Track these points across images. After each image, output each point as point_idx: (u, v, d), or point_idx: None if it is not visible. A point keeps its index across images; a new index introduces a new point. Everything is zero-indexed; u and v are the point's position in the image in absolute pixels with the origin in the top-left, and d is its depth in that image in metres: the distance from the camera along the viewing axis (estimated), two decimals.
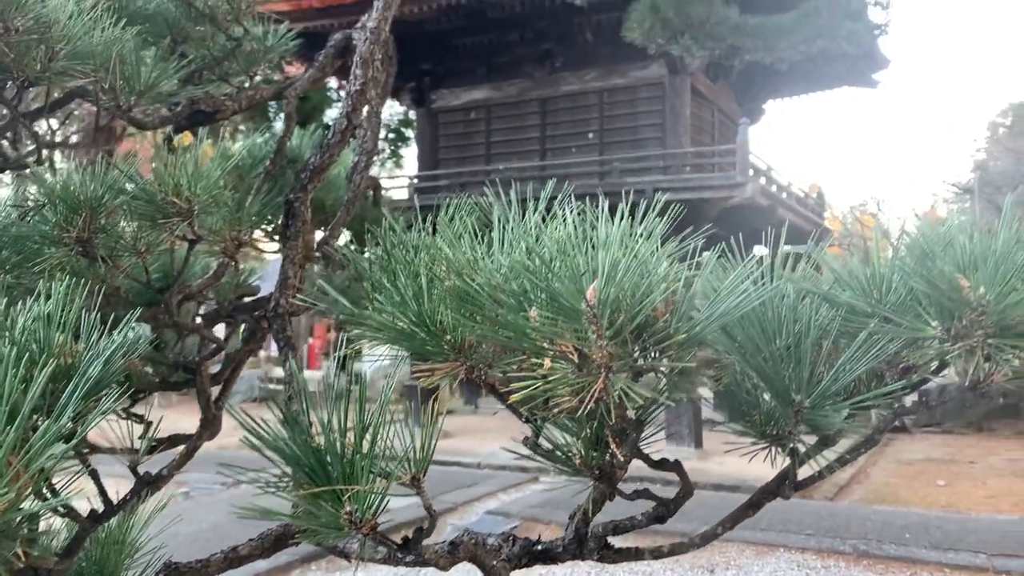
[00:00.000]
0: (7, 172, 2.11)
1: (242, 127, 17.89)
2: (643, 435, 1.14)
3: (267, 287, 2.13)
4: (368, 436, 0.94)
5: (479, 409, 16.19)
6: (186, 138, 2.36)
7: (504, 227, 1.12)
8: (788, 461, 1.15)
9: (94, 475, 1.30)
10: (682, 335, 0.93)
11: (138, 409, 1.90)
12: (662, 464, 1.18)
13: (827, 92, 18.19)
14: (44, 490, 1.05)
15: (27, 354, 1.00)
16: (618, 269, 0.89)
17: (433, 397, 1.39)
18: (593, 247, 0.99)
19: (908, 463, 11.82)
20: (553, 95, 15.16)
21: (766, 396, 1.08)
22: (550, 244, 0.97)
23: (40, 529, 1.15)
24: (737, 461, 1.11)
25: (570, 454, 1.12)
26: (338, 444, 0.92)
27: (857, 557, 7.19)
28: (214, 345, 1.99)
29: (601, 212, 1.05)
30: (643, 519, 1.19)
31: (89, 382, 0.97)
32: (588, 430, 1.09)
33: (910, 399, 1.21)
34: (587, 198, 1.19)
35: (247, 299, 2.37)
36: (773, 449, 1.11)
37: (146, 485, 1.40)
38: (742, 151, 12.62)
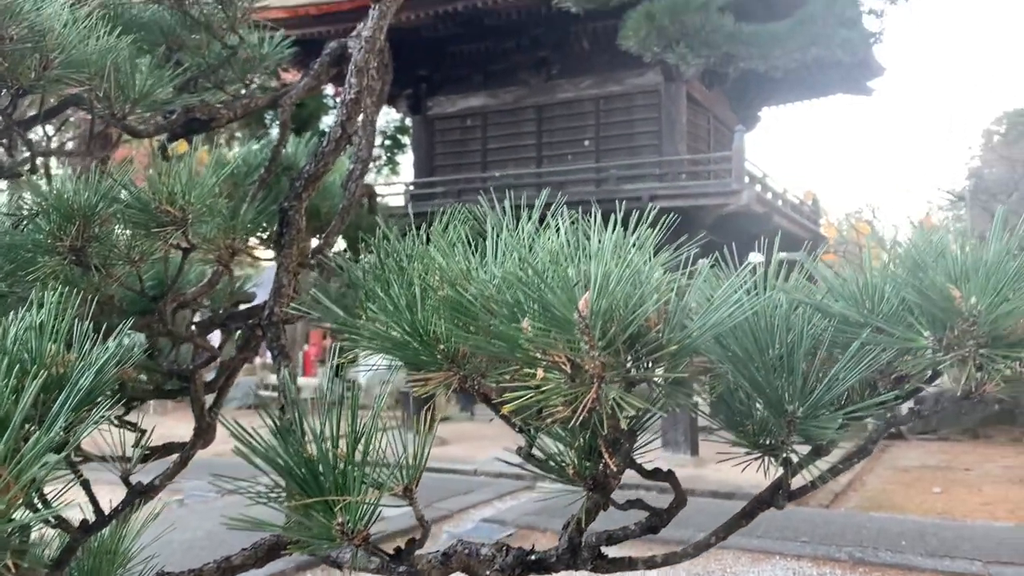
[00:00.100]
0: (1, 180, 2.10)
1: (238, 134, 17.90)
2: (639, 442, 1.14)
3: (263, 294, 2.13)
4: (360, 446, 0.94)
5: (475, 416, 16.17)
6: (181, 146, 2.36)
7: (498, 237, 1.12)
8: (782, 471, 1.15)
9: (85, 485, 1.29)
10: (674, 345, 0.93)
11: (132, 416, 1.90)
12: (655, 474, 1.18)
13: (822, 99, 18.25)
14: (35, 500, 1.05)
15: (19, 364, 0.99)
16: (610, 279, 0.89)
17: (428, 404, 1.38)
18: (587, 256, 0.99)
19: (904, 470, 11.83)
20: (549, 102, 15.19)
21: (759, 406, 1.08)
22: (543, 254, 0.97)
23: (31, 539, 1.15)
24: (733, 468, 1.11)
25: (563, 464, 1.12)
26: (330, 455, 0.92)
27: (853, 564, 7.19)
28: (208, 353, 1.99)
29: (594, 221, 1.05)
30: (636, 529, 1.19)
31: (81, 392, 0.97)
32: (581, 440, 1.09)
33: (906, 406, 1.21)
34: (580, 207, 1.19)
35: (242, 306, 2.37)
36: (766, 459, 1.11)
37: (138, 495, 1.40)
38: (738, 158, 12.64)
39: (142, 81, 1.88)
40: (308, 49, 4.61)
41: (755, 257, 1.27)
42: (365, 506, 0.93)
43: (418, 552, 1.09)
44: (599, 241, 1.04)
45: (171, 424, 6.90)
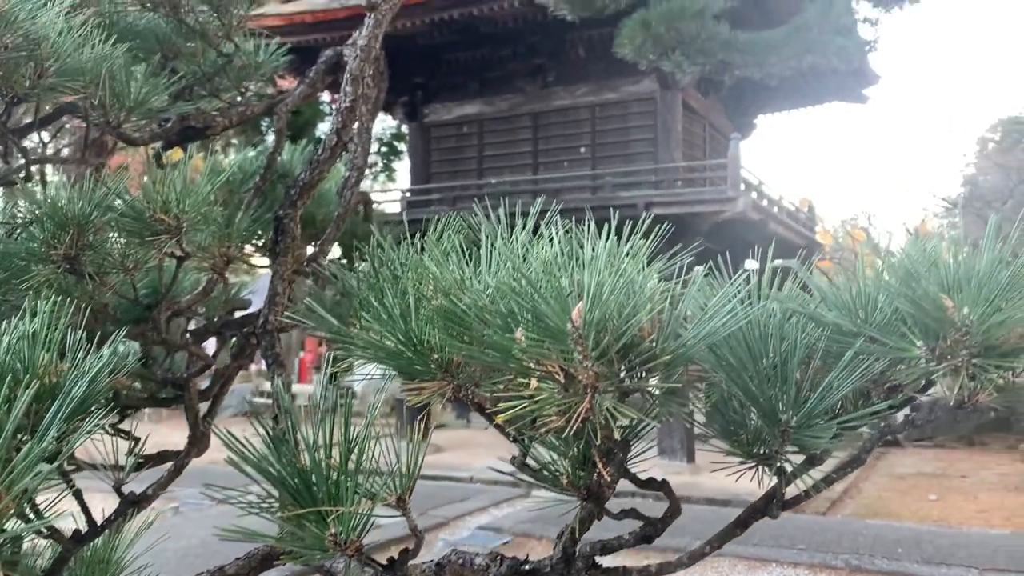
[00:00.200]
0: None
1: (234, 140, 17.89)
2: (635, 450, 1.14)
3: (258, 300, 2.12)
4: (354, 456, 0.94)
5: (471, 423, 16.14)
6: (176, 154, 2.36)
7: (492, 246, 1.12)
8: (776, 480, 1.15)
9: (78, 495, 1.29)
10: (668, 355, 0.93)
11: (126, 424, 1.89)
12: (649, 484, 1.18)
13: (818, 107, 18.31)
14: (27, 511, 1.05)
15: (11, 374, 0.99)
16: (604, 289, 0.89)
17: (424, 412, 1.38)
18: (581, 265, 0.99)
19: (900, 477, 11.84)
20: (545, 110, 15.22)
21: (753, 415, 1.08)
22: (536, 264, 0.97)
23: (23, 550, 1.14)
24: (730, 475, 1.11)
25: (557, 473, 1.12)
26: (323, 464, 0.92)
27: (849, 572, 7.19)
28: (202, 362, 1.98)
29: (587, 230, 1.05)
30: (631, 539, 1.19)
31: (74, 402, 0.96)
32: (575, 450, 1.09)
33: (901, 414, 1.21)
34: (576, 215, 1.19)
35: (237, 313, 2.37)
36: (760, 468, 1.11)
37: (131, 505, 1.39)
38: (733, 165, 12.68)
39: (137, 89, 1.88)
40: (304, 57, 4.61)
41: (751, 264, 1.27)
42: (358, 516, 0.92)
43: (412, 562, 1.09)
44: (593, 249, 1.04)
45: (166, 432, 6.88)
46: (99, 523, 1.32)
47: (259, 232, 2.21)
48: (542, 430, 0.98)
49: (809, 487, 1.09)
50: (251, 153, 2.61)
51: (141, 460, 1.81)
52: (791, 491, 1.18)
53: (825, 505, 9.64)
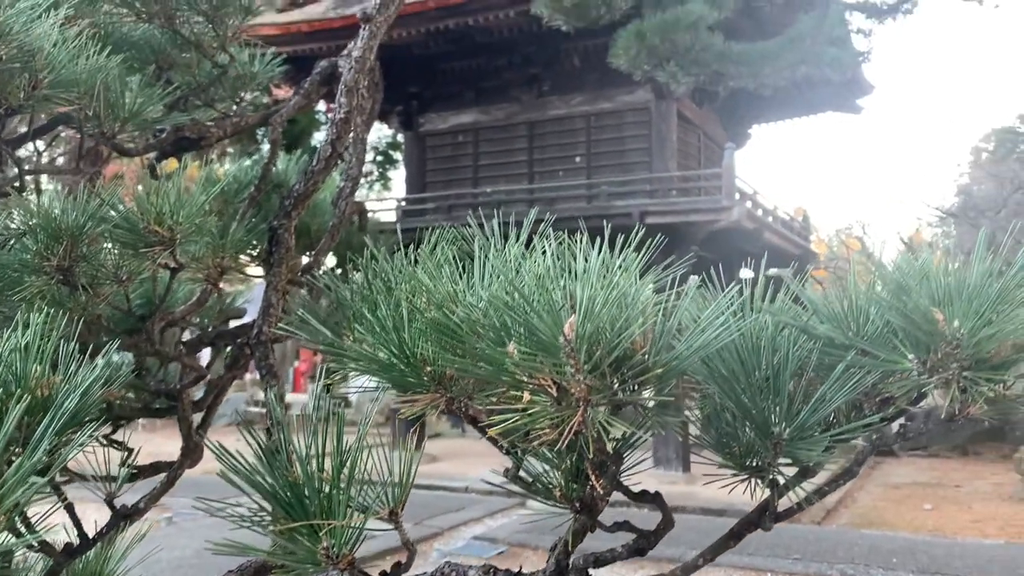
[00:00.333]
0: None
1: (230, 149, 17.89)
2: (630, 459, 1.14)
3: (254, 309, 2.12)
4: (346, 469, 0.94)
5: (466, 432, 16.12)
6: (171, 164, 2.36)
7: (485, 258, 1.12)
8: (769, 492, 1.15)
9: (69, 508, 1.28)
10: (660, 368, 0.93)
11: (120, 434, 1.88)
12: (642, 496, 1.18)
13: (812, 117, 18.39)
14: (18, 524, 1.04)
15: (3, 386, 0.99)
16: (596, 303, 0.89)
17: (419, 422, 1.38)
18: (574, 276, 0.99)
19: (895, 487, 11.84)
20: (541, 119, 15.26)
21: (746, 427, 1.08)
22: (529, 278, 0.98)
23: (13, 564, 1.14)
24: (723, 487, 1.11)
25: (550, 486, 1.12)
26: (315, 478, 0.92)
27: None
28: (196, 373, 1.98)
29: (580, 244, 1.05)
30: (624, 551, 1.19)
31: (66, 415, 0.96)
32: (568, 462, 1.09)
33: (895, 425, 1.22)
34: (571, 224, 1.20)
35: (232, 323, 2.36)
36: (753, 480, 1.11)
37: (123, 519, 1.39)
38: (728, 175, 12.71)
39: (132, 100, 1.88)
40: (300, 66, 4.61)
41: (745, 273, 1.27)
42: (350, 530, 0.92)
43: (405, 575, 1.09)
44: (586, 260, 1.04)
45: (160, 441, 6.85)
46: (91, 536, 1.31)
47: (254, 242, 2.21)
48: (535, 443, 0.98)
49: (802, 499, 1.09)
50: (246, 162, 2.61)
51: (134, 471, 1.80)
52: (784, 503, 1.18)
53: (820, 515, 9.64)
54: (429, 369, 1.04)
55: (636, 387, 0.96)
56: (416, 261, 1.26)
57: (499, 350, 0.92)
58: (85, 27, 1.81)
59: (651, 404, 1.01)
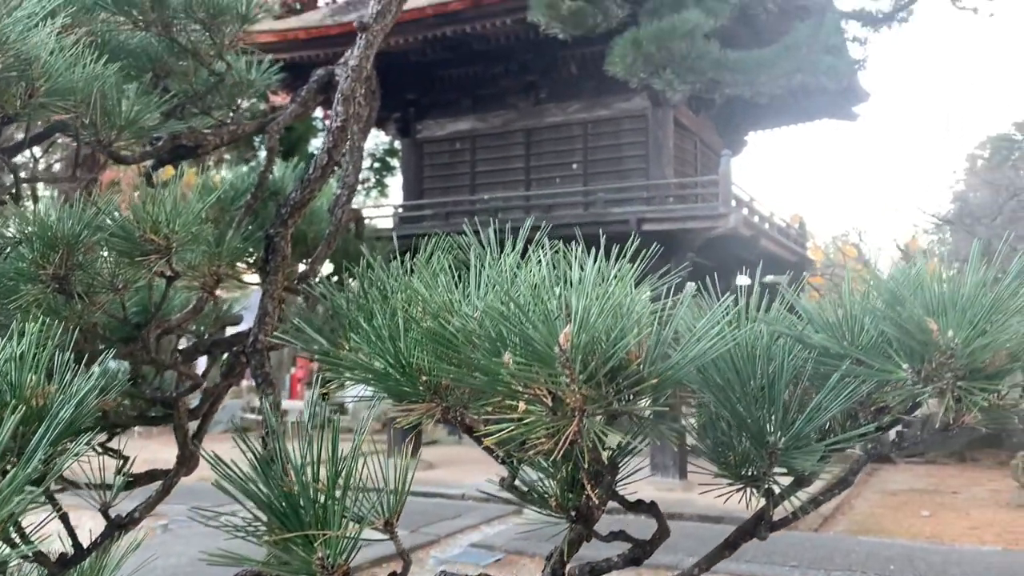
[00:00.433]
0: None
1: (227, 156, 17.89)
2: (627, 466, 1.14)
3: (251, 316, 2.12)
4: (341, 479, 0.94)
5: (463, 440, 16.09)
6: (168, 171, 2.36)
7: (481, 268, 1.13)
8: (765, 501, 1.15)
9: (64, 518, 1.28)
10: (655, 378, 0.93)
11: (116, 440, 1.88)
12: (638, 506, 1.18)
13: (808, 124, 18.44)
14: (12, 533, 1.04)
15: None
16: (591, 313, 0.89)
17: (415, 430, 1.38)
18: (569, 285, 0.99)
19: (892, 493, 11.84)
20: (538, 126, 15.28)
21: (741, 437, 1.08)
22: (525, 288, 0.98)
23: (9, 574, 1.14)
24: (719, 496, 1.11)
25: (546, 495, 1.12)
26: (311, 488, 0.92)
27: None
28: (192, 381, 1.98)
29: (575, 254, 1.06)
30: (620, 560, 1.19)
31: (61, 425, 0.96)
32: (564, 471, 1.09)
33: (893, 432, 1.22)
34: (566, 233, 1.20)
35: (229, 330, 2.36)
36: (748, 489, 1.11)
37: (117, 529, 1.38)
38: (724, 182, 12.73)
39: (128, 108, 1.88)
40: (297, 73, 4.61)
41: (742, 280, 1.27)
42: (346, 540, 0.92)
43: None
44: (581, 268, 1.04)
45: (156, 448, 6.83)
46: (86, 546, 1.31)
47: (250, 250, 2.21)
48: (531, 452, 0.98)
49: (797, 509, 1.09)
50: (243, 169, 2.61)
51: (130, 479, 1.80)
52: (780, 512, 1.18)
53: (818, 521, 9.63)
54: (425, 379, 1.04)
55: (631, 397, 0.96)
56: (412, 270, 1.26)
57: (494, 360, 0.92)
58: (82, 35, 1.81)
59: (647, 414, 1.01)
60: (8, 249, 1.59)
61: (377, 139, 24.67)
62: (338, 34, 13.51)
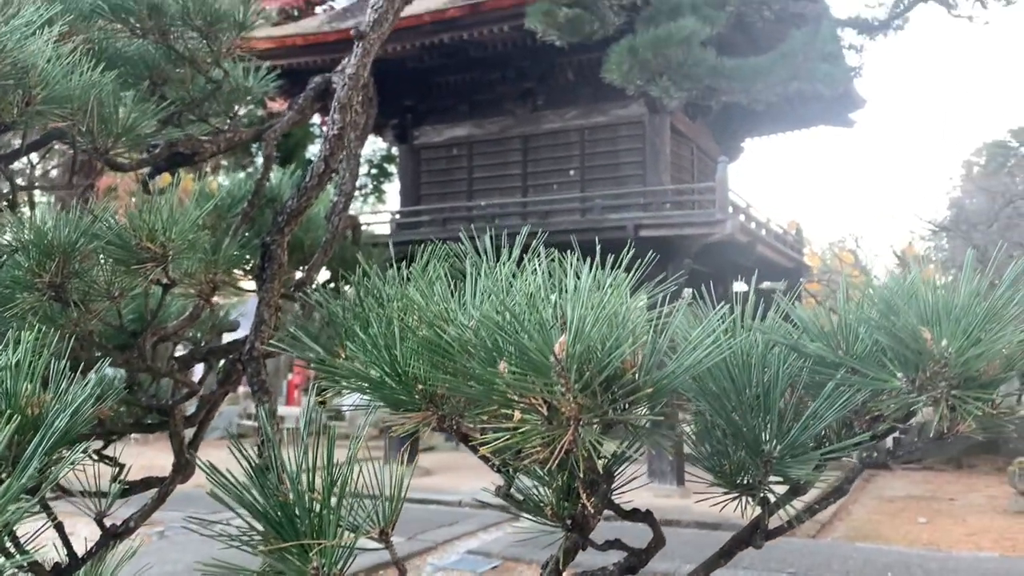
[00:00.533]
0: None
1: (224, 161, 17.89)
2: (625, 473, 1.14)
3: (247, 322, 2.12)
4: (336, 489, 0.93)
5: (460, 446, 16.03)
6: (165, 178, 2.36)
7: (478, 276, 1.13)
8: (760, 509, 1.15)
9: (59, 527, 1.28)
10: (650, 387, 0.93)
11: (113, 447, 1.88)
12: (633, 514, 1.18)
13: (805, 130, 18.47)
14: (7, 543, 1.04)
15: None
16: (587, 323, 0.90)
17: (412, 436, 1.38)
18: (564, 292, 0.99)
19: (889, 500, 11.83)
20: (535, 132, 15.29)
21: (736, 445, 1.08)
22: (520, 297, 0.98)
23: None
24: (716, 504, 1.11)
25: (541, 503, 1.12)
26: (306, 497, 0.92)
27: None
28: (188, 389, 1.98)
29: (570, 264, 1.06)
30: (615, 569, 1.19)
31: (56, 434, 0.96)
32: (559, 480, 1.09)
33: (890, 439, 1.22)
34: (560, 242, 1.20)
35: (225, 337, 2.36)
36: (744, 498, 1.11)
37: (112, 538, 1.38)
38: (721, 188, 12.75)
39: (126, 115, 1.88)
40: (295, 79, 4.61)
41: (739, 287, 1.28)
42: (341, 549, 0.92)
43: None
44: (577, 276, 1.04)
45: (152, 455, 6.81)
46: (80, 555, 1.31)
47: (247, 257, 2.22)
48: (526, 461, 0.98)
49: (792, 518, 1.09)
50: (240, 175, 2.61)
51: (126, 487, 1.80)
52: (777, 520, 1.18)
53: (815, 528, 9.62)
54: (421, 387, 1.04)
55: (627, 406, 0.96)
56: (409, 278, 1.26)
57: (490, 370, 0.92)
58: (79, 43, 1.82)
59: (642, 423, 1.01)
60: (4, 257, 1.59)
61: (374, 145, 24.69)
62: (336, 40, 13.52)
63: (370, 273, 1.34)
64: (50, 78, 1.65)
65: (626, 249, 1.13)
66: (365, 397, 1.16)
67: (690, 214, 13.15)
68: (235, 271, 2.17)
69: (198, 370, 2.43)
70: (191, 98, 2.28)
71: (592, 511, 1.06)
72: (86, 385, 1.08)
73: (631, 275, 1.07)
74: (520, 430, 0.92)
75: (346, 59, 2.22)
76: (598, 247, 1.11)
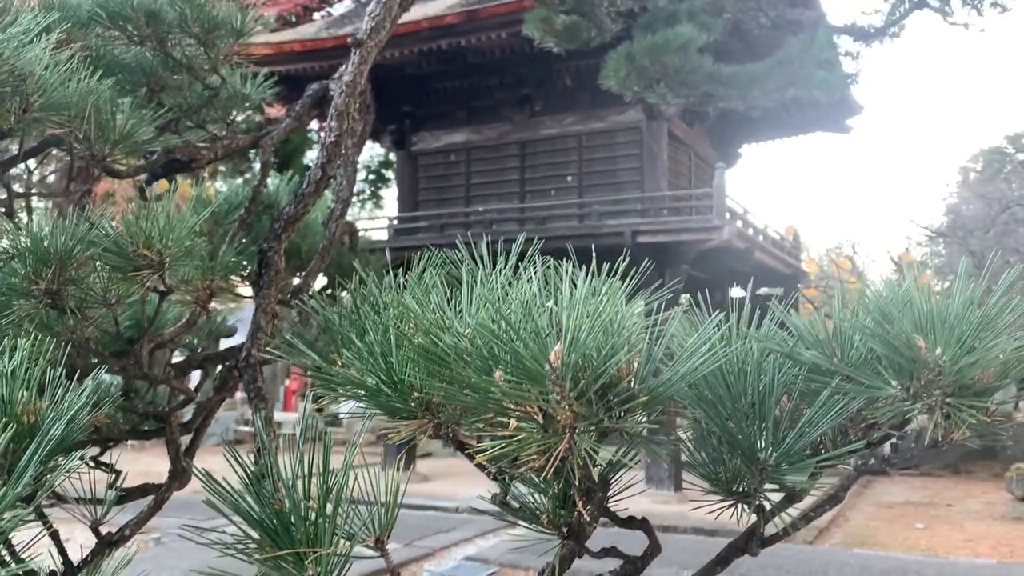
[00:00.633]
0: None
1: (221, 167, 17.88)
2: (622, 479, 1.14)
3: (244, 328, 2.12)
4: (332, 496, 0.94)
5: (458, 452, 16.02)
6: (162, 185, 2.36)
7: (473, 285, 1.13)
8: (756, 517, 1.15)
9: (54, 536, 1.28)
10: (646, 395, 0.94)
11: (109, 453, 1.87)
12: (630, 522, 1.18)
13: (802, 137, 18.51)
14: (2, 550, 1.04)
15: None
16: (582, 331, 0.90)
17: (409, 443, 1.38)
18: (561, 301, 1.00)
19: (887, 506, 11.83)
20: (532, 138, 15.31)
21: (732, 453, 1.09)
22: (516, 305, 0.98)
23: None
24: (711, 512, 1.11)
25: (538, 511, 1.12)
26: (302, 506, 0.92)
27: None
28: (184, 396, 1.97)
29: (566, 272, 1.06)
30: None
31: (52, 441, 0.96)
32: (555, 488, 1.09)
33: (886, 446, 1.22)
34: (558, 248, 1.20)
35: (222, 344, 2.36)
36: (740, 505, 1.11)
37: (108, 547, 1.38)
38: (718, 194, 12.77)
39: (123, 122, 1.88)
40: (292, 85, 4.61)
41: (736, 292, 1.28)
42: (336, 557, 0.92)
43: None
44: (573, 284, 1.05)
45: (149, 460, 6.79)
46: (76, 563, 1.30)
47: (244, 263, 2.22)
48: (522, 468, 0.98)
49: (787, 526, 1.10)
50: (238, 182, 2.62)
51: (122, 494, 1.79)
52: (773, 527, 1.18)
53: (812, 534, 9.61)
54: (417, 395, 1.04)
55: (622, 414, 0.96)
56: (405, 285, 1.26)
57: (486, 378, 0.92)
58: (77, 50, 1.82)
59: (638, 431, 1.01)
60: (1, 264, 1.59)
61: (372, 151, 24.71)
62: (333, 47, 13.55)
63: (367, 280, 1.34)
64: (48, 85, 1.65)
65: (623, 255, 1.13)
66: (361, 404, 1.16)
67: (687, 220, 13.17)
68: (232, 277, 2.17)
69: (195, 376, 2.43)
70: (188, 105, 2.29)
71: (588, 519, 1.06)
72: (82, 392, 1.08)
73: (627, 282, 1.07)
74: (516, 438, 0.93)
75: (344, 66, 2.22)
76: (595, 253, 1.11)
